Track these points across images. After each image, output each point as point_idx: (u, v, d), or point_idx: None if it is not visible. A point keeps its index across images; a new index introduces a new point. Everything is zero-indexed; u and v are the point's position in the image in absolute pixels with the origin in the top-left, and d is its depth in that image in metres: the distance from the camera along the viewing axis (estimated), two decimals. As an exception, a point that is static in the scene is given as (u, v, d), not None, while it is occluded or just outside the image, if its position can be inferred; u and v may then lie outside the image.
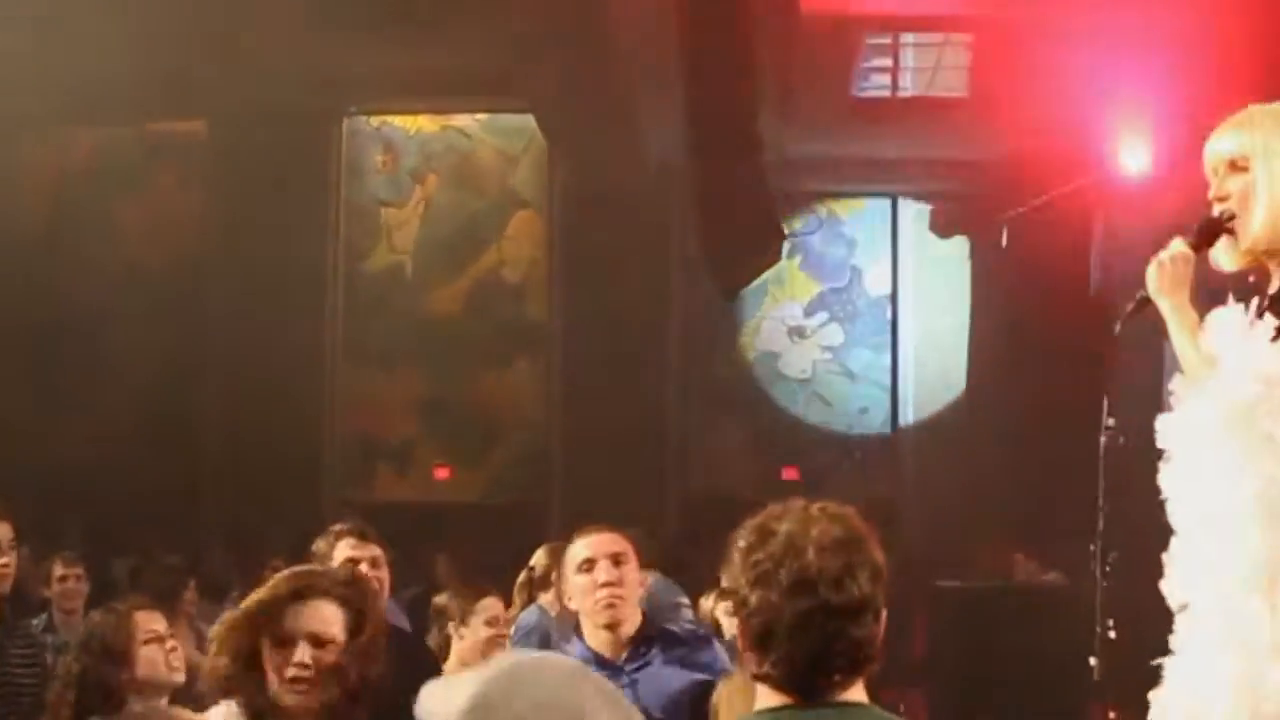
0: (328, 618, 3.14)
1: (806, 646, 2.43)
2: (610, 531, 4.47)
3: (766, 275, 13.80)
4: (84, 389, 14.24)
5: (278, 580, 3.23)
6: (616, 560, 4.38)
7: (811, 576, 2.43)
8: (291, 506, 13.36)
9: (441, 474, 14.96)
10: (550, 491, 14.54)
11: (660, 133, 13.71)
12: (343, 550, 4.72)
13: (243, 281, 14.20)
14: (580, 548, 4.43)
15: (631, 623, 4.39)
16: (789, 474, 14.63)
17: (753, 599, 2.45)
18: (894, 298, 15.18)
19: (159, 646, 4.49)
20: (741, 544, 2.49)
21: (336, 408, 15.06)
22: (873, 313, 15.26)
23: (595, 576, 4.36)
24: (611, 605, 4.33)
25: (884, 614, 2.47)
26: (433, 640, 5.75)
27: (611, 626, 4.34)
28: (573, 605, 4.47)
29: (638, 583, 4.47)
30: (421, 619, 6.25)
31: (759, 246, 12.54)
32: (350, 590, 3.18)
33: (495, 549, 8.94)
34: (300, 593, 3.14)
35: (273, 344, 13.92)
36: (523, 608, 6.39)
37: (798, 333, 15.12)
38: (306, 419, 14.45)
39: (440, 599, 5.99)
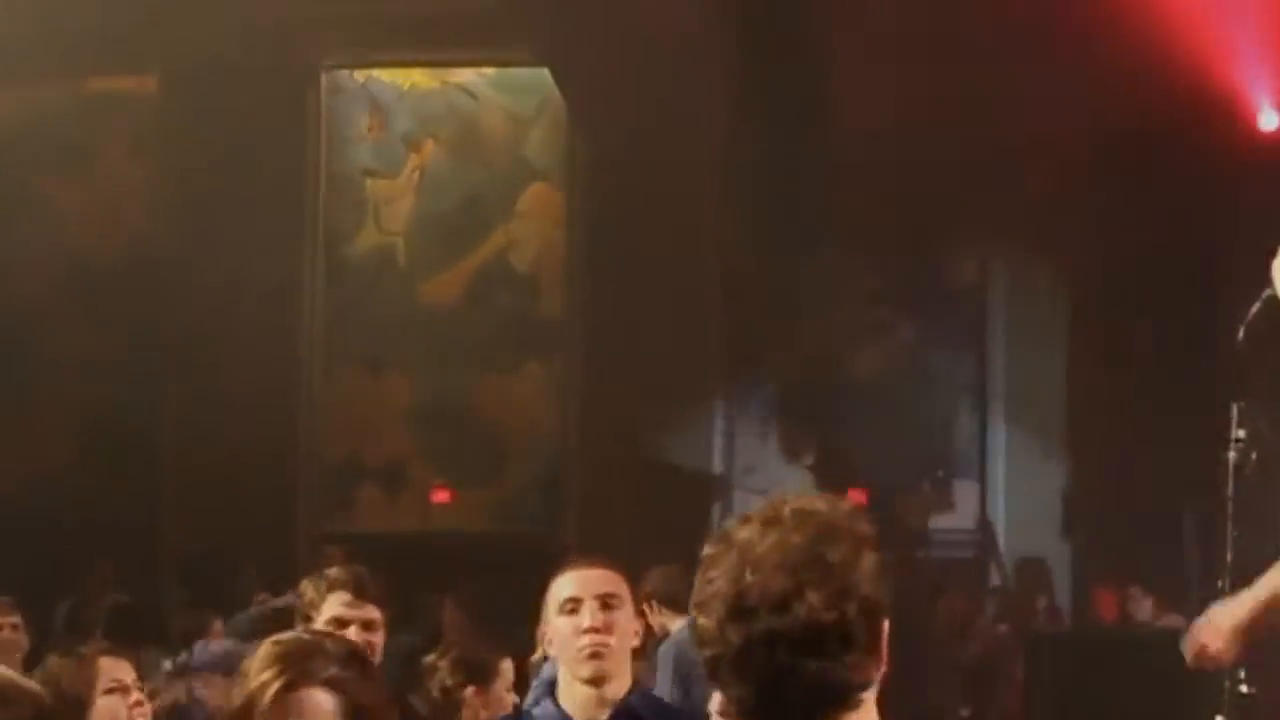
0: (321, 709, 3.17)
1: (756, 682, 2.41)
2: (603, 568, 4.41)
3: (826, 261, 13.96)
4: (15, 405, 14.31)
5: (265, 661, 3.27)
6: (606, 603, 4.32)
7: (750, 600, 2.41)
8: (262, 537, 13.52)
9: (440, 498, 15.04)
10: (568, 519, 14.59)
11: (705, 91, 13.82)
12: (333, 606, 4.75)
13: (202, 271, 14.28)
14: (564, 584, 4.37)
15: (619, 682, 4.31)
16: (855, 497, 14.32)
17: (699, 625, 2.47)
18: (982, 285, 15.22)
19: (121, 698, 4.60)
20: (703, 555, 2.51)
21: (314, 419, 15.15)
22: (956, 304, 15.27)
23: (579, 620, 4.30)
24: (596, 655, 4.26)
25: (877, 640, 2.42)
26: (422, 702, 5.78)
27: (595, 682, 4.28)
28: (552, 652, 4.42)
29: (632, 634, 4.39)
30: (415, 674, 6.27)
31: (824, 230, 12.66)
32: (349, 671, 3.21)
33: (503, 588, 8.97)
34: (291, 684, 3.17)
35: (238, 344, 14.01)
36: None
37: (866, 329, 15.15)
38: (279, 433, 14.55)
39: (441, 661, 6.01)
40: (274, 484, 14.40)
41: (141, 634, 9.08)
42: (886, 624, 2.45)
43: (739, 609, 2.41)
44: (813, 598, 2.39)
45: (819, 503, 2.50)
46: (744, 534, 2.45)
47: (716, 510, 14.58)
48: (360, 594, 4.80)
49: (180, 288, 14.53)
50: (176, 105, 14.79)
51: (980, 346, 15.23)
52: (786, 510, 2.47)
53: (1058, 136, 13.80)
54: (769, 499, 2.50)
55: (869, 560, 2.45)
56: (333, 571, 4.88)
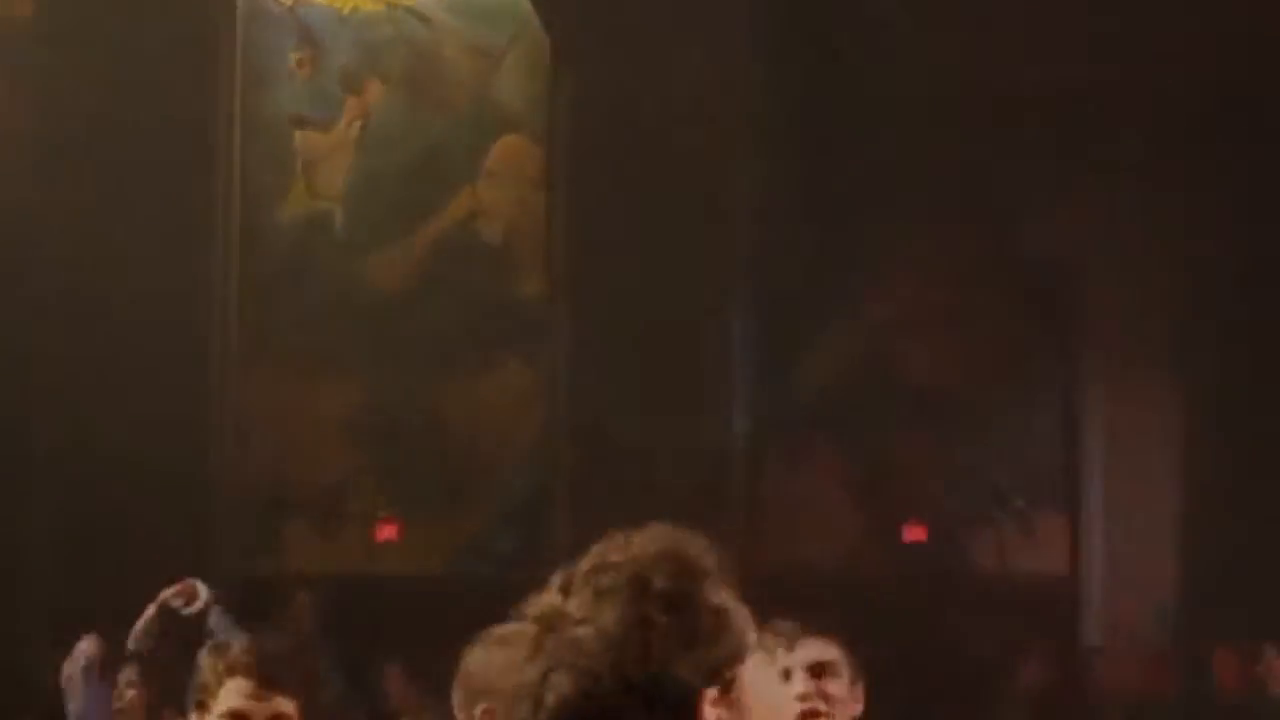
0: None
1: None
2: None
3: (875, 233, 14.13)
4: None
5: None
6: None
7: (520, 691, 2.58)
8: (162, 583, 13.31)
9: (387, 533, 15.00)
10: (554, 559, 14.40)
11: (719, 19, 13.93)
12: (231, 695, 4.70)
13: (88, 243, 14.28)
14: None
15: None
16: (913, 534, 14.75)
17: None
18: (1074, 262, 15.12)
19: None
20: None
21: (229, 433, 15.14)
22: (1041, 286, 15.26)
23: None
24: None
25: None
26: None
27: None
28: None
29: None
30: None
31: (872, 195, 12.99)
32: None
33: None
34: None
35: (131, 337, 13.98)
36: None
37: (926, 319, 15.10)
38: (183, 451, 14.54)
39: None
40: (177, 515, 14.35)
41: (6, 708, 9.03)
42: (716, 697, 2.53)
43: (512, 701, 2.57)
44: (559, 682, 2.52)
45: (631, 549, 2.67)
46: (532, 609, 2.64)
47: (738, 548, 14.34)
48: (268, 681, 4.74)
49: (57, 262, 14.54)
50: (55, 34, 14.76)
51: (1072, 340, 15.24)
52: (580, 571, 2.64)
53: (1171, 78, 14.00)
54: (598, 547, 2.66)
55: (659, 626, 2.54)
56: (234, 649, 4.83)
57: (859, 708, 4.55)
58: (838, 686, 4.50)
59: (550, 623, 2.57)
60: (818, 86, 14.29)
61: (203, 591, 8.79)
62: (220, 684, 4.71)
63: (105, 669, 9.65)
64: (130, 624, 11.98)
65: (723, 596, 2.64)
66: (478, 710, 4.33)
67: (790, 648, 4.46)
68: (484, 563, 14.82)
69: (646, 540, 2.68)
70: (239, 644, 4.85)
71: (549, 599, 2.61)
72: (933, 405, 14.96)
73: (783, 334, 15.04)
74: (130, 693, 9.53)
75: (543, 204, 15.23)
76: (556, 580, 2.66)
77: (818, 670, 4.48)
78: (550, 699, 2.51)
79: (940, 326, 14.99)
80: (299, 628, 12.73)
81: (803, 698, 4.42)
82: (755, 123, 14.52)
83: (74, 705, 9.19)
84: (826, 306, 15.07)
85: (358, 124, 15.40)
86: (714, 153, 14.41)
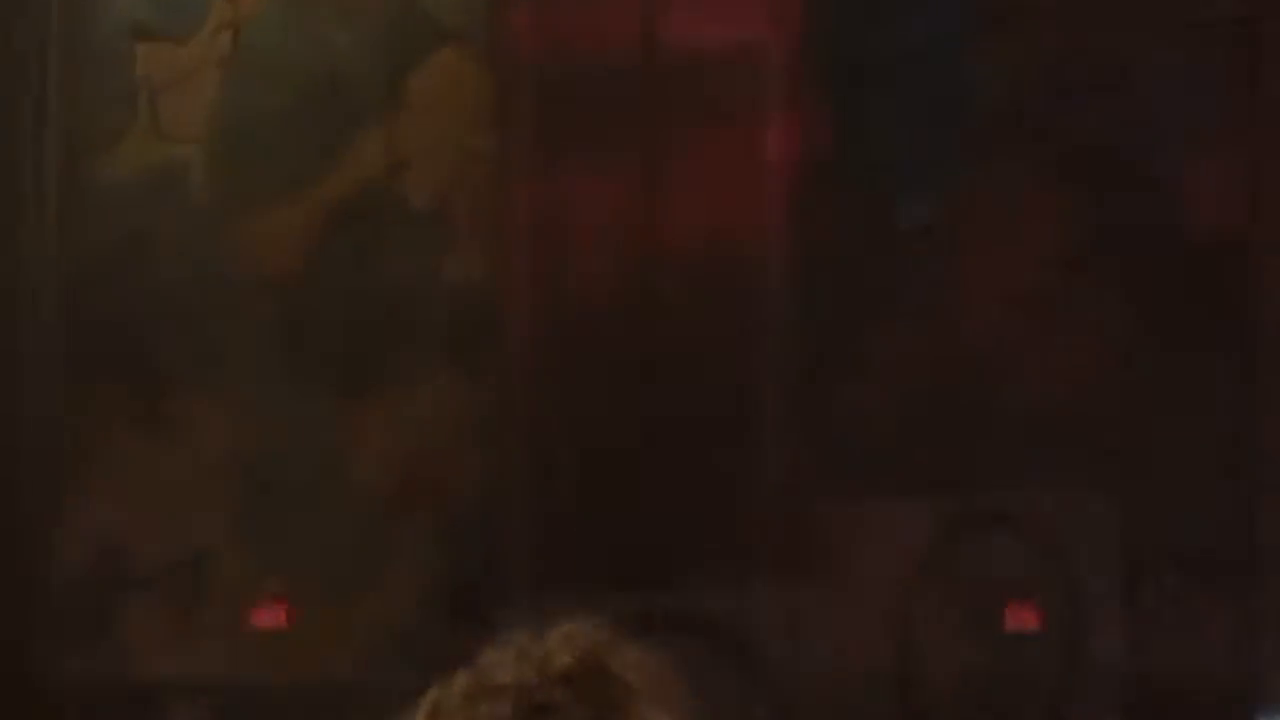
0: None
1: None
2: None
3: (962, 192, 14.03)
4: None
5: None
6: None
7: None
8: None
9: (270, 620, 14.84)
10: (507, 654, 14.16)
11: None
12: None
13: None
14: None
15: None
16: (1018, 619, 14.48)
17: None
18: (1240, 232, 14.67)
19: None
20: None
21: (44, 476, 15.12)
22: (1199, 265, 14.67)
23: None
24: None
25: None
26: None
27: None
28: None
29: None
30: None
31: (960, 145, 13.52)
32: None
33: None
34: None
35: None
36: None
37: (1022, 303, 14.84)
38: None
39: None
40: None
41: None
42: None
43: None
44: None
45: (526, 664, 2.81)
46: None
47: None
48: None
49: None
50: None
51: (1240, 350, 14.63)
52: (452, 693, 2.85)
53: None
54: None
55: None
56: None
57: None
58: None
59: None
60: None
61: None
62: None
63: None
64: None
65: None
66: None
67: None
68: (409, 661, 14.46)
69: (551, 649, 2.82)
70: None
71: None
72: (1046, 429, 14.61)
73: (822, 331, 14.82)
74: None
75: (488, 150, 15.07)
76: (424, 705, 2.88)
77: None
78: None
79: (1059, 317, 14.69)
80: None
81: None
82: (794, 41, 14.38)
83: None
84: (892, 300, 14.79)
85: (227, 35, 15.34)
86: (731, 79, 14.37)
